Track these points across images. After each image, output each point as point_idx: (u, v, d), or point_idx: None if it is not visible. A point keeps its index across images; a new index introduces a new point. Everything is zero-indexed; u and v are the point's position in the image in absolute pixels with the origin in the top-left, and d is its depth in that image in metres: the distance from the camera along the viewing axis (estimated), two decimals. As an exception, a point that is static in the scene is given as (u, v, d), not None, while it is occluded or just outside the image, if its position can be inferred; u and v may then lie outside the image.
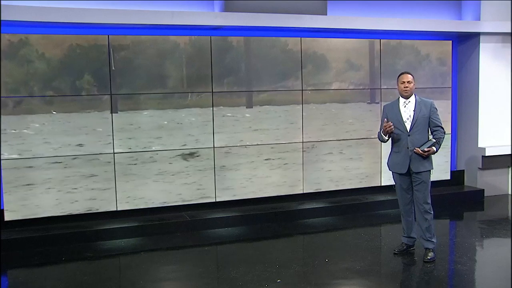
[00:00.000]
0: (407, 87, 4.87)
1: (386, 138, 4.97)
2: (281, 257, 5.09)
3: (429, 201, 4.90)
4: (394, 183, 5.12)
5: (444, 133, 4.92)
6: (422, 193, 4.87)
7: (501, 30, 7.37)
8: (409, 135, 4.85)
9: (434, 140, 4.82)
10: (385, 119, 4.93)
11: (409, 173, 4.90)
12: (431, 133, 4.89)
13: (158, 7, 6.07)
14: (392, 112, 4.97)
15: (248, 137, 6.56)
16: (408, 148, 4.85)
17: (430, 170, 4.90)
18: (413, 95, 4.93)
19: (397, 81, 4.99)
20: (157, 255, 5.28)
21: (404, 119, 4.88)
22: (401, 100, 4.95)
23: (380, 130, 4.99)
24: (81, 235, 5.68)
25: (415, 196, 4.93)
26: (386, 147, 5.60)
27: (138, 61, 6.03)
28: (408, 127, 4.86)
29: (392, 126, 4.84)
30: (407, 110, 4.90)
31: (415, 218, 5.06)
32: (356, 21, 6.71)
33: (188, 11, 6.05)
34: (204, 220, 6.15)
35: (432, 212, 4.92)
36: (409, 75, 4.92)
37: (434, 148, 4.80)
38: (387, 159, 5.14)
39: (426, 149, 4.78)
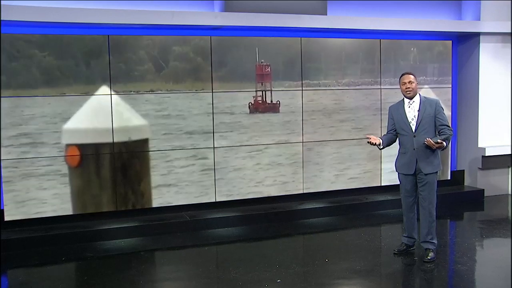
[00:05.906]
0: (409, 87, 4.84)
1: (381, 147, 4.95)
2: (281, 257, 5.09)
3: (435, 202, 4.88)
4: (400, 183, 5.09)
5: (451, 131, 4.84)
6: (427, 193, 4.84)
7: (501, 30, 7.36)
8: (414, 136, 4.81)
9: (442, 139, 4.72)
10: (368, 136, 4.89)
11: (415, 174, 4.89)
12: (438, 132, 4.81)
13: (158, 7, 6.07)
14: (397, 113, 4.94)
15: (248, 137, 6.55)
16: (414, 149, 4.81)
17: (437, 172, 4.87)
18: (418, 95, 4.89)
19: (399, 82, 4.95)
20: (157, 255, 5.28)
21: (409, 119, 4.85)
22: (406, 100, 4.91)
23: (387, 132, 5.03)
24: (81, 235, 5.68)
25: (420, 197, 4.90)
26: (386, 148, 5.60)
27: (138, 61, 6.03)
28: (413, 127, 4.82)
29: (372, 140, 4.81)
30: (411, 110, 4.86)
31: (417, 219, 5.04)
32: (356, 21, 6.71)
33: (188, 11, 6.06)
34: (204, 220, 6.15)
35: (435, 214, 4.91)
36: (411, 76, 4.87)
37: (444, 143, 4.71)
38: (394, 160, 5.12)
39: (439, 141, 4.66)
